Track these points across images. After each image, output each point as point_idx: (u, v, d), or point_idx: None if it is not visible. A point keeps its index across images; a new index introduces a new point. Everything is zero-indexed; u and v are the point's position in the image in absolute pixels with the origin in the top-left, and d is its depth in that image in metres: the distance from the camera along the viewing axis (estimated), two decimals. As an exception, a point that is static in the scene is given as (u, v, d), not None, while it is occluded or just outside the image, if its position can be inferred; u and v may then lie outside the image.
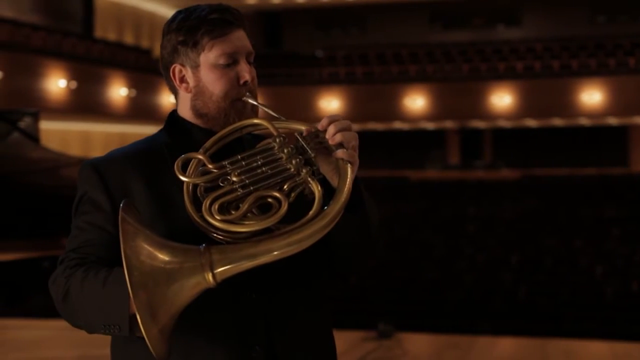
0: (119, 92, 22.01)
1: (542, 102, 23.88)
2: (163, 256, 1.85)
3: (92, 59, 21.56)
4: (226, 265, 1.84)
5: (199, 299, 1.88)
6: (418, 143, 28.66)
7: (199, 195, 1.93)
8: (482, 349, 8.64)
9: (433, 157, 28.59)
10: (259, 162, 1.94)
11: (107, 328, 1.95)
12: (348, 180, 1.94)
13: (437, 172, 27.57)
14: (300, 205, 1.92)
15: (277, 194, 1.90)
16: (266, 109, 2.09)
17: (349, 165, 1.96)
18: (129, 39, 26.57)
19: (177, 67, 2.14)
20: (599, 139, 27.18)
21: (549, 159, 27.16)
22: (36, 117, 6.04)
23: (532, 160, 27.04)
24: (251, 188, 1.91)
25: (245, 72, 2.10)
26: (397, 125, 27.01)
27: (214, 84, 2.10)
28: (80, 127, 23.36)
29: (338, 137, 1.97)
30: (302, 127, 2.03)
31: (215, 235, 1.89)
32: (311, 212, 1.89)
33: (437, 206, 21.91)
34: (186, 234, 1.92)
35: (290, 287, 2.10)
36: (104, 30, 25.64)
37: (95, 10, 25.49)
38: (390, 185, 25.08)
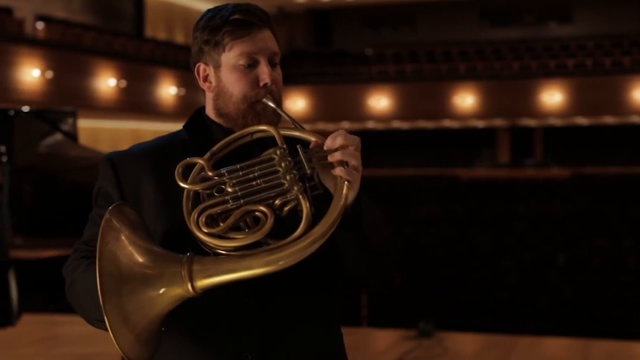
0: (168, 90, 22.22)
1: (593, 100, 23.62)
2: (144, 262, 1.86)
3: (142, 58, 21.79)
4: (205, 278, 1.85)
5: (190, 301, 1.89)
6: (468, 141, 28.51)
7: (201, 201, 1.93)
8: (523, 349, 8.57)
9: (483, 155, 28.42)
10: (256, 174, 1.90)
11: (98, 324, 1.99)
12: (341, 201, 1.88)
13: (486, 170, 27.40)
14: (298, 220, 1.89)
15: (264, 209, 1.88)
16: (284, 114, 2.06)
17: (345, 184, 1.90)
18: (179, 38, 26.79)
19: (202, 66, 2.15)
20: (651, 137, 26.81)
21: (600, 157, 26.83)
22: (74, 116, 6.14)
23: (583, 159, 26.73)
24: (242, 201, 1.89)
25: (265, 74, 2.07)
26: (447, 123, 26.89)
27: (233, 85, 2.08)
28: (130, 125, 23.62)
29: (337, 155, 1.90)
30: (313, 138, 1.96)
31: (202, 246, 1.89)
32: (296, 232, 1.86)
33: (486, 205, 21.76)
34: (184, 236, 1.92)
35: (290, 294, 2.06)
36: (154, 29, 25.89)
37: (146, 9, 25.76)
38: (439, 184, 24.98)
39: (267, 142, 2.04)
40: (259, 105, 2.08)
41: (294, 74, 26.36)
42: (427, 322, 8.83)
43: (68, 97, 17.97)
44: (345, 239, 1.99)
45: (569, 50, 25.60)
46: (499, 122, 27.05)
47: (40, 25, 19.60)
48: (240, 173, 1.91)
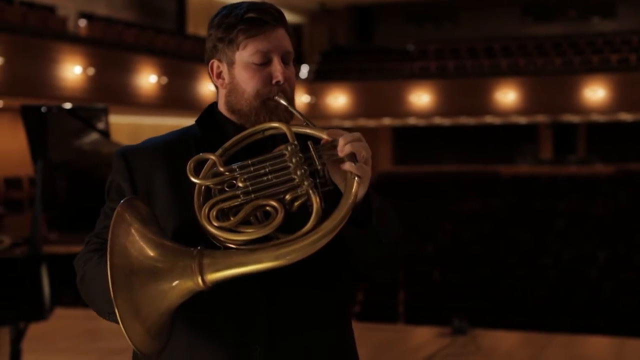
0: (209, 87, 22.32)
1: (637, 96, 23.33)
2: (154, 255, 1.88)
3: (183, 55, 21.89)
4: (216, 272, 1.86)
5: (199, 293, 1.91)
6: (509, 138, 28.31)
7: (212, 196, 1.95)
8: (558, 347, 8.51)
9: (525, 151, 28.23)
10: (267, 169, 1.93)
11: (109, 316, 2.02)
12: (351, 196, 1.90)
13: (528, 167, 27.22)
14: (308, 216, 1.91)
15: (274, 204, 1.90)
16: (295, 112, 2.08)
17: (355, 179, 1.92)
18: (220, 35, 26.85)
19: (215, 63, 2.17)
20: (697, 133, 26.41)
21: (644, 153, 26.51)
22: (106, 113, 6.21)
23: (626, 155, 26.42)
24: (252, 195, 1.92)
25: (278, 72, 2.09)
26: (489, 119, 26.72)
27: (246, 82, 2.10)
28: (172, 121, 23.77)
29: (347, 148, 1.93)
30: (324, 136, 1.98)
31: (213, 240, 1.91)
32: (306, 227, 1.88)
33: (527, 201, 21.60)
34: (195, 231, 1.94)
35: (298, 287, 2.08)
36: (195, 26, 26.02)
37: (188, 6, 25.90)
38: (481, 180, 24.86)
39: (279, 138, 2.06)
40: (271, 103, 2.10)
41: (335, 70, 26.37)
42: (461, 319, 8.81)
43: (109, 93, 18.13)
44: (354, 235, 2.01)
45: (612, 46, 25.31)
46: (541, 118, 26.84)
47: (82, 22, 19.79)
48: (252, 169, 1.94)
